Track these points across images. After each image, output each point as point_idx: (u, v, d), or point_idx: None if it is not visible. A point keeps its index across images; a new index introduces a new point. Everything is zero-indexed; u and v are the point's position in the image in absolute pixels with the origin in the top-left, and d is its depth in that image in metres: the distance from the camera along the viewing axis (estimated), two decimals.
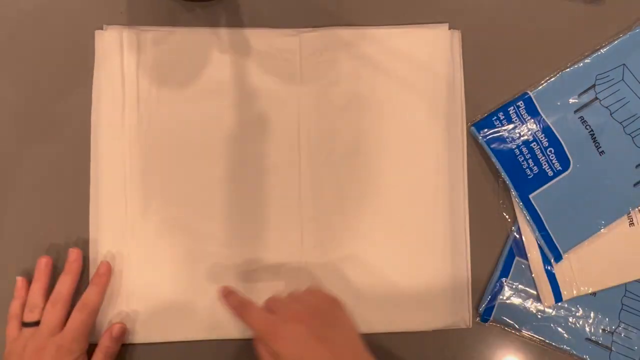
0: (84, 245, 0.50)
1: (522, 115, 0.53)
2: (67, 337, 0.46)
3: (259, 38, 0.53)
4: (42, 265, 0.49)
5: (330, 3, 0.54)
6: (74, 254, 0.49)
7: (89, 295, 0.48)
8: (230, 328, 0.50)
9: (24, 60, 0.52)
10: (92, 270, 0.50)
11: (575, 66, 0.54)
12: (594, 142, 0.53)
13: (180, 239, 0.51)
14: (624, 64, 0.54)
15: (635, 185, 0.53)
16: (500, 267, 0.53)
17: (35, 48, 0.52)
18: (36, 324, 0.47)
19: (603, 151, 0.53)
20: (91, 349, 0.49)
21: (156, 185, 0.51)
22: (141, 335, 0.50)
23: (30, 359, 0.45)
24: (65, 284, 0.48)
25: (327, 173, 0.52)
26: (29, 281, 0.49)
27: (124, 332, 0.49)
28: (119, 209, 0.51)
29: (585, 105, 0.54)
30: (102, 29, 0.52)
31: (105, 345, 0.48)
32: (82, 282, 0.50)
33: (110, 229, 0.50)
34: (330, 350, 0.41)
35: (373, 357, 0.42)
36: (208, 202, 0.51)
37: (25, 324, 0.47)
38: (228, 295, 0.47)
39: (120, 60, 0.52)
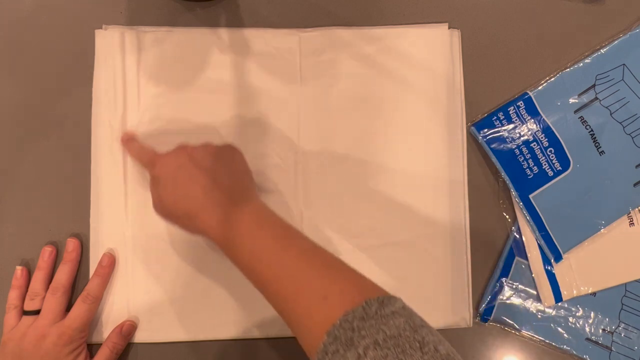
0: (85, 243, 0.50)
1: (522, 115, 0.53)
2: (69, 325, 0.46)
3: (259, 38, 0.53)
4: (47, 254, 0.49)
5: (330, 3, 0.54)
6: (72, 244, 0.50)
7: (93, 285, 0.49)
8: (230, 328, 0.50)
9: (24, 60, 0.52)
10: (92, 270, 0.50)
11: (575, 66, 0.54)
12: (594, 142, 0.53)
13: (180, 239, 0.51)
14: (624, 64, 0.54)
15: (635, 185, 0.53)
16: (500, 267, 0.53)
17: (35, 48, 0.52)
18: (36, 312, 0.47)
19: (603, 151, 0.53)
20: (93, 348, 0.49)
21: None
22: (141, 335, 0.50)
23: (30, 346, 0.45)
24: (64, 273, 0.48)
25: (327, 173, 0.52)
26: (29, 272, 0.49)
27: (133, 329, 0.49)
28: (120, 208, 0.51)
29: (585, 105, 0.54)
30: (102, 29, 0.52)
31: (113, 341, 0.48)
32: (80, 275, 0.50)
33: (110, 228, 0.51)
34: (209, 175, 0.42)
35: (257, 195, 0.43)
36: None
37: (25, 313, 0.47)
38: (129, 141, 0.50)
39: (120, 60, 0.52)
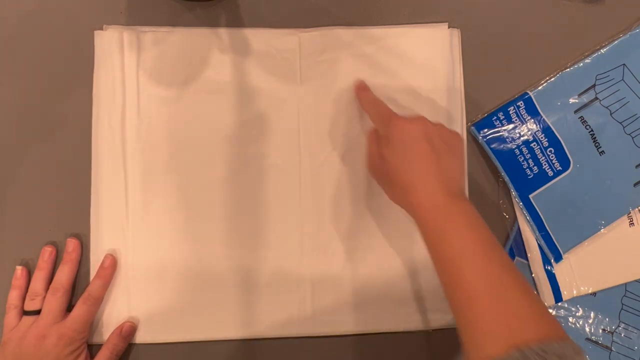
0: (85, 243, 0.50)
1: (522, 115, 0.53)
2: (70, 326, 0.46)
3: (259, 38, 0.53)
4: (47, 254, 0.49)
5: (330, 3, 0.54)
6: (71, 244, 0.50)
7: (94, 286, 0.49)
8: (230, 328, 0.50)
9: (24, 60, 0.52)
10: (93, 272, 0.50)
11: (575, 66, 0.54)
12: (594, 142, 0.53)
13: (179, 238, 0.51)
14: (624, 64, 0.54)
15: (635, 185, 0.53)
16: None
17: (35, 48, 0.52)
18: (37, 312, 0.47)
19: (603, 151, 0.53)
20: (93, 349, 0.49)
21: (156, 185, 0.51)
22: (142, 336, 0.50)
23: (31, 347, 0.45)
24: (64, 273, 0.48)
25: (327, 173, 0.52)
26: (29, 272, 0.49)
27: (133, 330, 0.49)
28: (120, 208, 0.51)
29: (585, 105, 0.54)
30: (102, 29, 0.52)
31: (113, 342, 0.48)
32: (80, 275, 0.50)
33: (111, 228, 0.51)
34: (436, 158, 0.43)
35: (466, 196, 0.45)
36: (208, 202, 0.51)
37: (26, 313, 0.47)
38: (362, 89, 0.51)
39: (120, 60, 0.52)
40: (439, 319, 0.52)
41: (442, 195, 0.42)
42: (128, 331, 0.49)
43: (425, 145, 0.43)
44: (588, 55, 0.54)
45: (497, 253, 0.41)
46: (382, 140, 0.46)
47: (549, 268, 0.52)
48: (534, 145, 0.53)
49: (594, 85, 0.54)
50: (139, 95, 0.52)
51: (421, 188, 0.42)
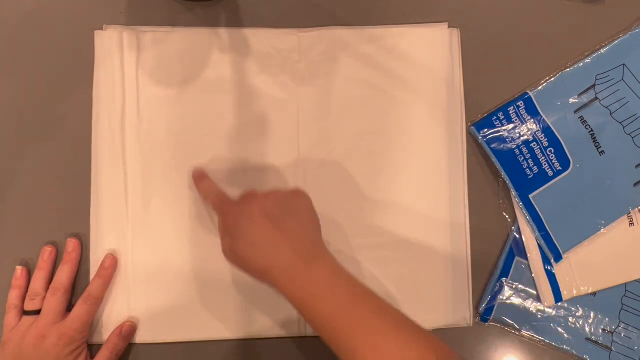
0: (85, 243, 0.50)
1: (522, 115, 0.53)
2: (70, 326, 0.46)
3: (259, 38, 0.53)
4: (47, 254, 0.49)
5: (330, 3, 0.54)
6: (71, 244, 0.50)
7: (94, 286, 0.49)
8: (230, 328, 0.50)
9: (24, 61, 0.52)
10: (93, 271, 0.50)
11: (575, 66, 0.54)
12: (594, 142, 0.53)
13: (179, 238, 0.51)
14: (624, 64, 0.54)
15: (635, 185, 0.53)
16: (500, 267, 0.53)
17: (35, 48, 0.52)
18: (37, 312, 0.47)
19: (603, 151, 0.53)
20: (93, 349, 0.49)
21: (156, 184, 0.51)
22: (142, 335, 0.50)
23: (31, 346, 0.45)
24: (65, 273, 0.48)
25: (327, 173, 0.52)
26: (29, 272, 0.49)
27: (133, 330, 0.49)
28: (120, 208, 0.51)
29: (585, 105, 0.54)
30: (102, 29, 0.52)
31: (113, 342, 0.48)
32: (80, 275, 0.50)
33: (111, 228, 0.51)
34: (279, 229, 0.42)
35: (325, 248, 0.44)
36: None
37: (26, 313, 0.47)
38: (200, 179, 0.50)
39: (120, 60, 0.52)
40: (439, 319, 0.52)
41: (295, 266, 0.41)
42: (128, 331, 0.49)
43: (263, 221, 0.42)
44: (588, 55, 0.54)
45: (364, 298, 0.41)
46: (224, 231, 0.45)
47: (549, 268, 0.52)
48: (534, 145, 0.53)
49: (594, 85, 0.54)
50: (139, 95, 0.52)
51: (273, 266, 0.41)
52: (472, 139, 0.54)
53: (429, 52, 0.54)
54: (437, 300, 0.52)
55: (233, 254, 0.44)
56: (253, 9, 0.54)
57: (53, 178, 0.51)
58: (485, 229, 0.53)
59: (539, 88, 0.54)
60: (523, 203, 0.52)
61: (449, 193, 0.53)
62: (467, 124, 0.54)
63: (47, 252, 0.49)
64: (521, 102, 0.54)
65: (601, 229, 0.52)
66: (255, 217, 0.43)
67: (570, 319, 0.52)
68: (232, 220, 0.44)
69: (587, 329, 0.52)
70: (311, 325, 0.41)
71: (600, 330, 0.52)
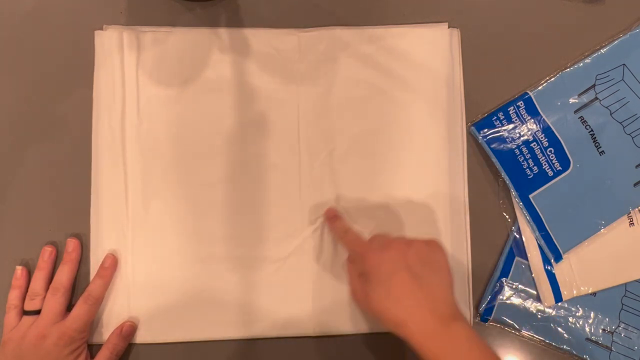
0: (85, 243, 0.50)
1: (522, 115, 0.53)
2: (70, 326, 0.46)
3: (259, 38, 0.53)
4: (47, 254, 0.49)
5: (330, 3, 0.54)
6: (71, 244, 0.50)
7: (94, 286, 0.49)
8: (230, 328, 0.50)
9: (24, 60, 0.52)
10: (93, 271, 0.50)
11: (575, 66, 0.54)
12: (594, 142, 0.53)
13: (180, 238, 0.51)
14: (624, 64, 0.54)
15: (635, 185, 0.53)
16: (500, 267, 0.53)
17: (35, 48, 0.52)
18: (37, 312, 0.47)
19: (603, 151, 0.53)
20: (93, 349, 0.49)
21: (156, 184, 0.51)
22: (142, 335, 0.50)
23: (31, 346, 0.45)
24: (64, 273, 0.48)
25: (327, 173, 0.52)
26: (29, 272, 0.49)
27: (133, 330, 0.49)
28: (120, 208, 0.51)
29: (585, 105, 0.54)
30: (102, 29, 0.52)
31: (113, 342, 0.48)
32: (80, 275, 0.50)
33: (111, 228, 0.51)
34: (420, 285, 0.42)
35: (459, 309, 0.43)
36: (208, 202, 0.51)
37: (26, 313, 0.47)
38: (333, 219, 0.50)
39: (120, 60, 0.52)
40: None
41: (433, 324, 0.41)
42: (128, 331, 0.49)
43: (405, 274, 0.42)
44: (588, 55, 0.54)
45: None
46: (363, 277, 0.45)
47: (549, 268, 0.52)
48: (534, 145, 0.53)
49: (594, 85, 0.54)
50: (139, 95, 0.52)
51: (411, 321, 0.41)
52: (472, 139, 0.54)
53: (429, 52, 0.54)
54: None
55: (368, 300, 0.44)
56: (253, 9, 0.54)
57: (53, 178, 0.51)
58: (485, 229, 0.53)
59: (539, 88, 0.54)
60: (523, 203, 0.52)
61: (448, 193, 0.53)
62: (467, 124, 0.54)
63: (47, 252, 0.49)
64: (521, 102, 0.54)
65: (601, 229, 0.52)
66: (397, 267, 0.43)
67: (570, 319, 0.52)
68: (373, 267, 0.43)
69: (587, 329, 0.52)
70: None
71: (600, 330, 0.52)
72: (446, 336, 0.41)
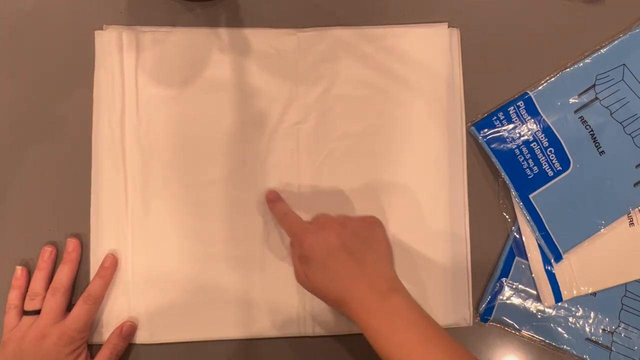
0: (85, 243, 0.50)
1: (522, 115, 0.53)
2: (70, 326, 0.46)
3: (259, 38, 0.53)
4: (47, 254, 0.49)
5: (330, 3, 0.54)
6: (72, 244, 0.50)
7: (94, 286, 0.49)
8: (230, 328, 0.50)
9: (24, 60, 0.52)
10: (93, 271, 0.50)
11: (575, 66, 0.54)
12: (594, 142, 0.53)
13: (179, 238, 0.51)
14: (624, 64, 0.54)
15: (635, 185, 0.53)
16: (500, 267, 0.53)
17: (35, 48, 0.52)
18: (37, 312, 0.47)
19: (603, 151, 0.53)
20: (93, 349, 0.49)
21: (156, 184, 0.51)
22: (142, 335, 0.50)
23: (31, 346, 0.45)
24: (64, 273, 0.48)
25: (327, 173, 0.52)
26: (29, 272, 0.49)
27: (133, 330, 0.49)
28: (120, 208, 0.51)
29: (585, 105, 0.54)
30: (102, 29, 0.52)
31: (113, 342, 0.48)
32: (80, 275, 0.50)
33: (111, 228, 0.51)
34: (356, 262, 0.43)
35: (400, 282, 0.44)
36: (208, 202, 0.51)
37: (26, 313, 0.47)
38: (274, 201, 0.50)
39: (120, 60, 0.52)
40: (439, 319, 0.51)
41: (372, 298, 0.42)
42: (128, 331, 0.49)
43: (341, 252, 0.43)
44: (588, 55, 0.54)
45: (437, 335, 0.41)
46: (301, 259, 0.45)
47: (549, 268, 0.52)
48: (534, 145, 0.53)
49: (594, 85, 0.54)
50: (139, 95, 0.52)
51: (350, 298, 0.42)
52: (472, 139, 0.54)
53: (429, 52, 0.54)
54: (437, 300, 0.52)
55: (309, 282, 0.44)
56: (253, 9, 0.54)
57: (53, 178, 0.51)
58: (485, 229, 0.53)
59: (539, 88, 0.54)
60: (523, 203, 0.52)
61: (448, 193, 0.53)
62: (467, 124, 0.54)
63: (47, 252, 0.49)
64: (521, 102, 0.54)
65: (601, 229, 0.52)
66: (333, 249, 0.43)
67: (570, 319, 0.52)
68: (309, 249, 0.44)
69: (587, 329, 0.52)
70: (382, 355, 0.41)
71: (600, 330, 0.52)
72: (386, 309, 0.41)
